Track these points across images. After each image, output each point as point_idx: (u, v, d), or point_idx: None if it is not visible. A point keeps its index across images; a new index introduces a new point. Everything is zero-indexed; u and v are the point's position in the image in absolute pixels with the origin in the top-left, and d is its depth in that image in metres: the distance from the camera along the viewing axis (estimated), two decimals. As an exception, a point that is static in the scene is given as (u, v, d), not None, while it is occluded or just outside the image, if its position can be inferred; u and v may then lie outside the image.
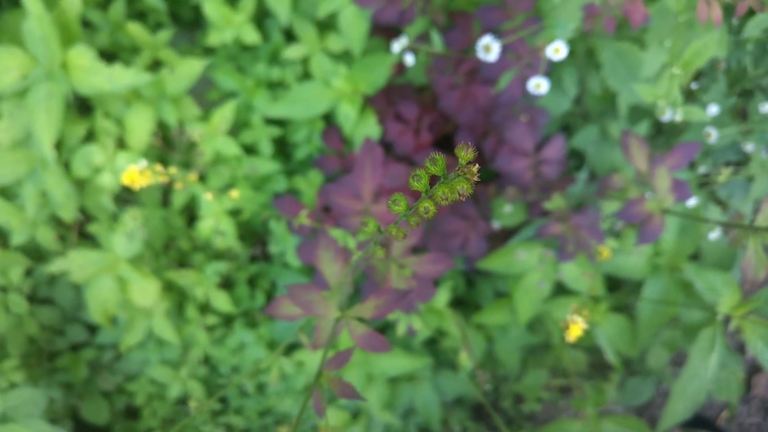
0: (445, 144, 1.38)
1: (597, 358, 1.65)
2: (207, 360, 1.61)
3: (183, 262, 1.56)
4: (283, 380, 1.54)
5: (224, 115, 1.37)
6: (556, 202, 1.00)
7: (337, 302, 0.61)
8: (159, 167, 0.76)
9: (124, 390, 1.64)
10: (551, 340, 1.48)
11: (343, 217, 0.89)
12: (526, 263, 1.21)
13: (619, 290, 1.41)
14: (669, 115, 0.98)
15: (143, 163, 0.75)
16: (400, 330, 0.87)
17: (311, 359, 1.43)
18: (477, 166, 0.38)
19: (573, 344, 1.52)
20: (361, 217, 0.88)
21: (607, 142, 1.23)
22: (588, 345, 1.51)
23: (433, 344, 1.55)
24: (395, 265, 0.80)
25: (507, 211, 1.11)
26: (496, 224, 1.15)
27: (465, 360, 0.80)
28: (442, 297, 1.31)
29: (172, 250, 1.55)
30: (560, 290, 1.34)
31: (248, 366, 1.57)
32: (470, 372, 1.49)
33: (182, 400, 1.64)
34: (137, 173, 0.73)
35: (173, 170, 0.79)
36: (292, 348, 1.58)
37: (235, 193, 0.89)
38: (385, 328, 1.55)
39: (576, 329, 0.81)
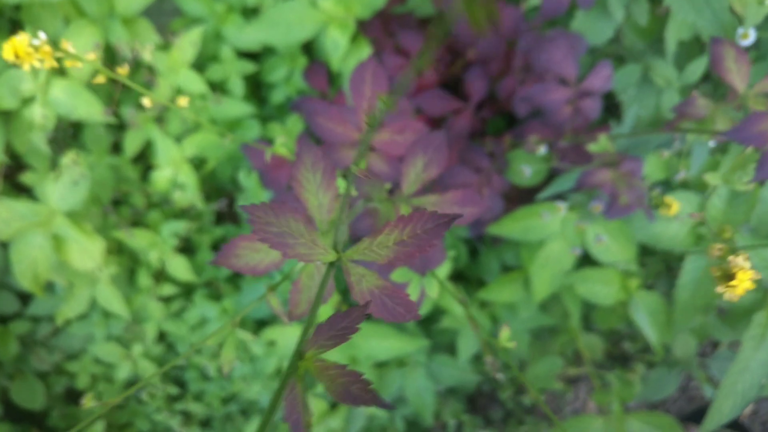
0: (453, 87, 1.15)
1: (612, 345, 1.45)
2: (162, 337, 1.38)
3: (136, 221, 1.32)
4: (251, 362, 1.32)
5: (189, 41, 1.14)
6: (602, 144, 0.79)
7: (331, 241, 0.38)
8: (67, 45, 0.52)
9: (63, 370, 1.40)
10: (565, 323, 1.27)
11: (333, 148, 0.66)
12: (549, 227, 1.00)
13: (648, 264, 1.21)
14: (752, 37, 0.77)
15: (43, 36, 0.50)
16: (413, 295, 0.65)
17: (285, 337, 1.21)
18: None
19: (590, 328, 1.32)
20: (357, 149, 0.66)
21: (650, 85, 1.02)
22: (607, 328, 1.31)
23: (426, 324, 1.34)
24: (406, 208, 0.58)
25: (542, 153, 0.89)
26: (527, 170, 0.92)
27: (506, 340, 0.58)
28: (443, 267, 1.10)
29: (123, 206, 1.31)
30: (582, 262, 1.14)
31: (210, 345, 1.34)
32: (471, 358, 1.28)
33: (132, 383, 1.41)
34: (26, 45, 0.48)
35: (92, 56, 0.55)
36: (262, 325, 1.35)
37: (183, 101, 0.65)
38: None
39: (745, 279, 0.55)
